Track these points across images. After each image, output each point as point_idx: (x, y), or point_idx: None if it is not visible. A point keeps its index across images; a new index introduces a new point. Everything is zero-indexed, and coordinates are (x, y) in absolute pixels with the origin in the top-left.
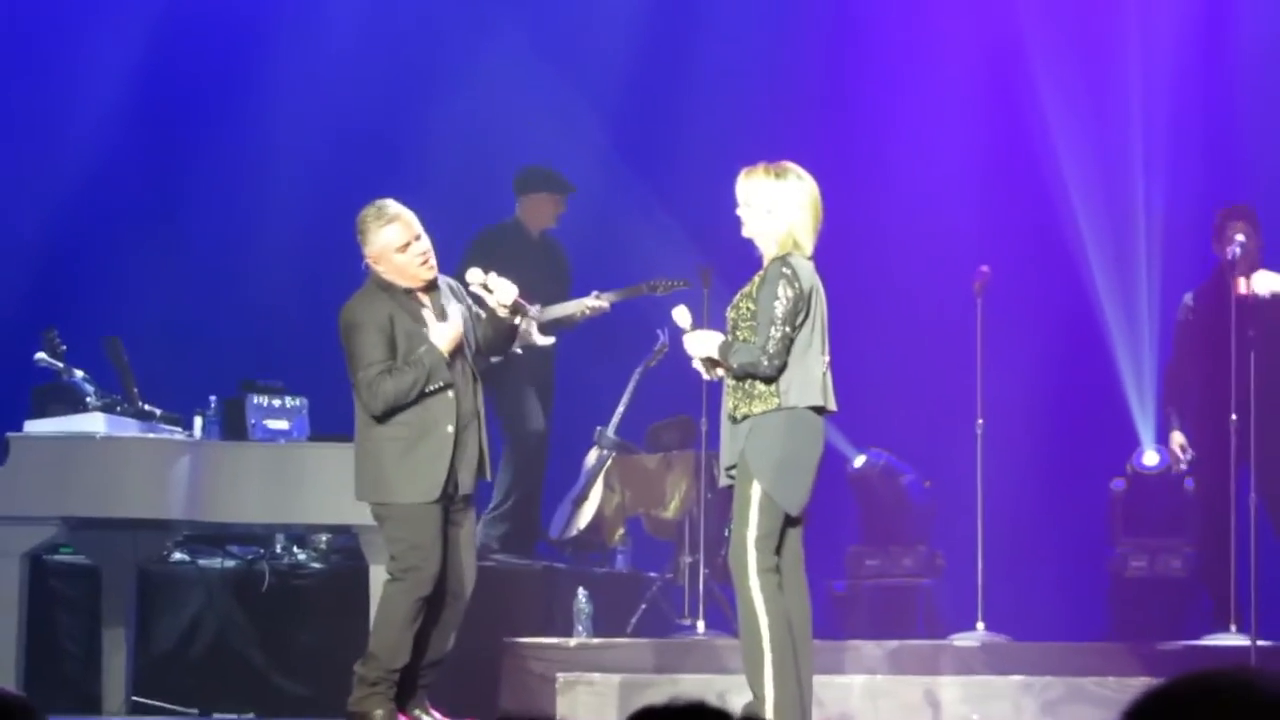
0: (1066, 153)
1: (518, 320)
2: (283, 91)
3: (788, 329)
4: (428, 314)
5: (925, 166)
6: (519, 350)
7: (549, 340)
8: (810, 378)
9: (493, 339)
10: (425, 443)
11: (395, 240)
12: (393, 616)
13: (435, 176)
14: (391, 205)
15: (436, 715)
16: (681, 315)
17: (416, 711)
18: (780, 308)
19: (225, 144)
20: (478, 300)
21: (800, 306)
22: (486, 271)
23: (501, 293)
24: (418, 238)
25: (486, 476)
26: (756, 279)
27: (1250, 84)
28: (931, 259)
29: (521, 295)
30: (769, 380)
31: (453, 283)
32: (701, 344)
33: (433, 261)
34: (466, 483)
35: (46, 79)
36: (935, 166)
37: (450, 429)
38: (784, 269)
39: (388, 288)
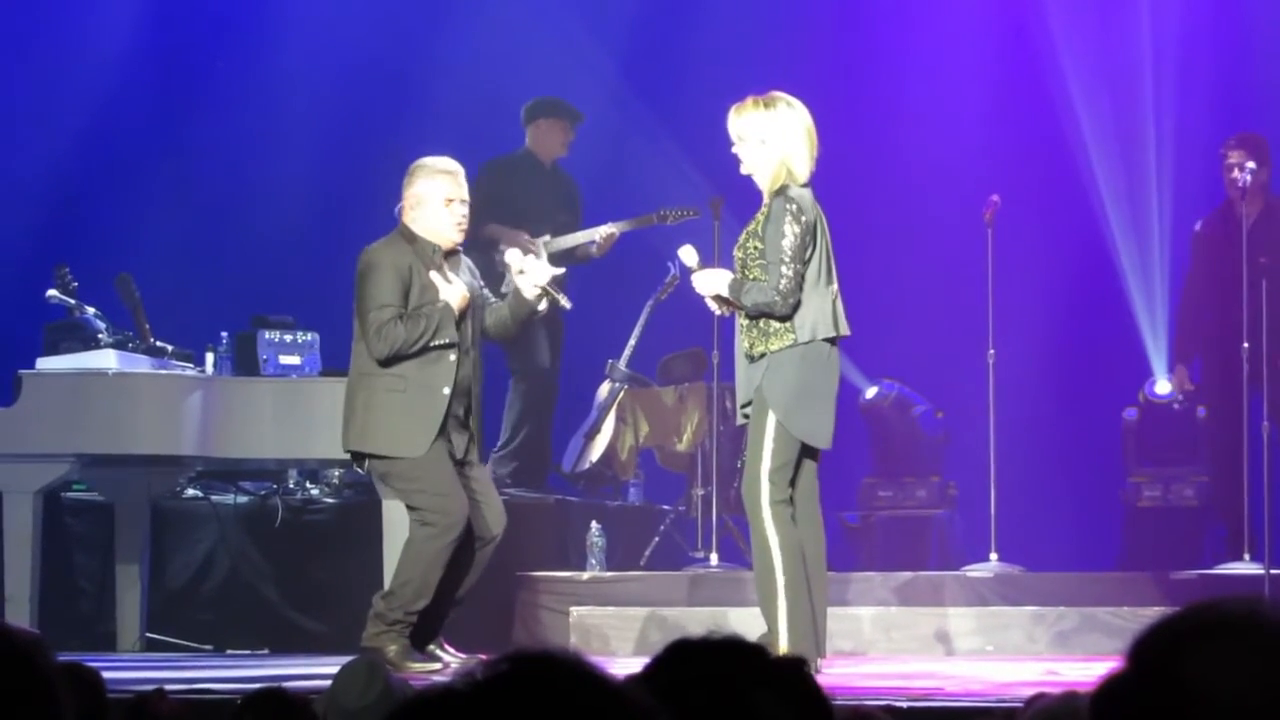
0: (1076, 80)
1: (541, 306)
2: (292, 26)
3: (798, 265)
4: (436, 277)
5: (936, 95)
6: None
7: (559, 270)
8: (822, 309)
9: (506, 320)
10: (419, 399)
11: (446, 191)
12: (420, 561)
13: (444, 109)
14: (453, 161)
15: (450, 650)
16: (688, 254)
17: (430, 647)
18: (789, 244)
19: (235, 78)
20: (491, 284)
21: (807, 241)
22: (525, 254)
23: (535, 274)
24: (464, 201)
25: (474, 460)
26: (760, 216)
27: (1261, 9)
28: (942, 189)
29: (533, 225)
30: (785, 318)
31: (470, 264)
32: (711, 283)
33: (466, 228)
34: (457, 447)
35: (58, 13)
36: (946, 95)
37: (446, 391)
38: (787, 205)
39: (413, 240)
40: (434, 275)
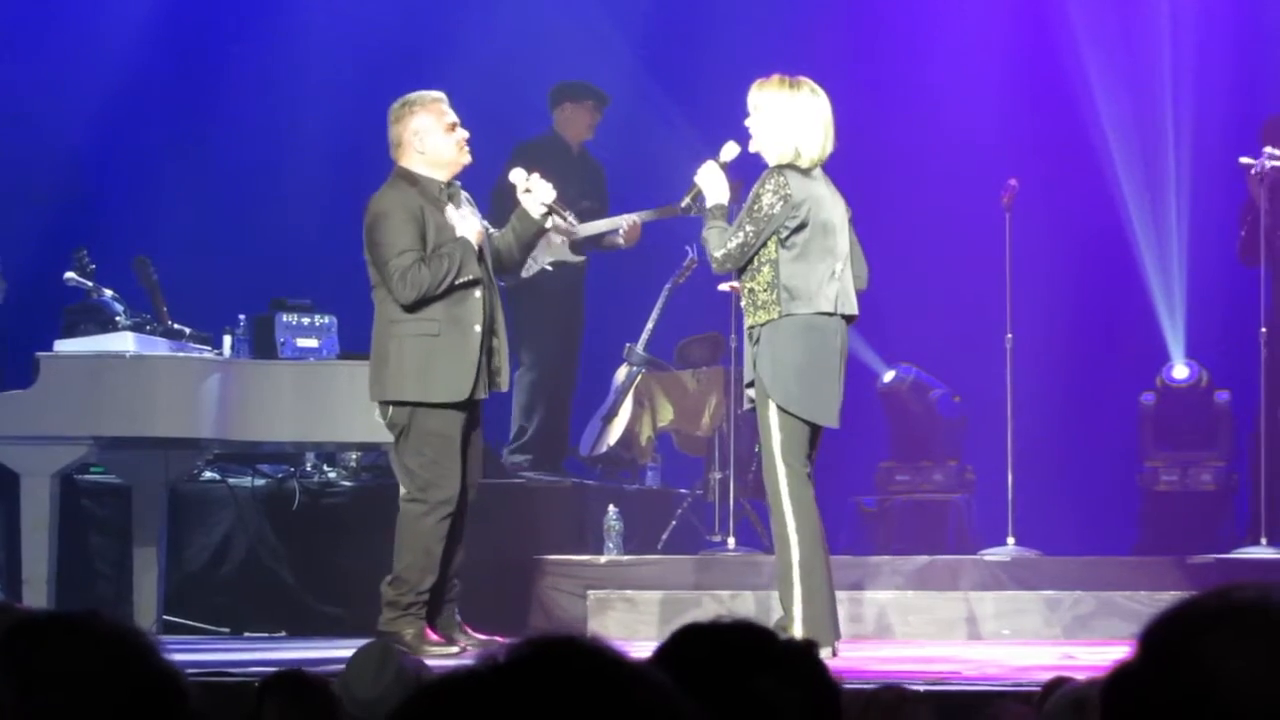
0: (1095, 64)
1: (548, 224)
2: (312, 9)
3: (751, 240)
4: (451, 209)
5: (953, 80)
6: (549, 267)
7: (580, 258)
8: (812, 284)
9: (511, 244)
10: (454, 341)
11: (446, 117)
12: (417, 539)
13: (462, 95)
14: (433, 90)
15: (470, 632)
16: (729, 150)
17: (450, 630)
18: (754, 217)
19: (254, 62)
20: (504, 208)
21: (787, 216)
22: (530, 173)
23: (540, 192)
24: (461, 123)
25: (501, 388)
26: (753, 188)
27: None
28: (960, 173)
29: (561, 206)
30: (767, 287)
31: (469, 197)
32: (711, 183)
33: (469, 150)
34: (482, 388)
35: None
36: (963, 80)
37: (478, 328)
38: (777, 178)
39: (415, 181)
40: (450, 211)
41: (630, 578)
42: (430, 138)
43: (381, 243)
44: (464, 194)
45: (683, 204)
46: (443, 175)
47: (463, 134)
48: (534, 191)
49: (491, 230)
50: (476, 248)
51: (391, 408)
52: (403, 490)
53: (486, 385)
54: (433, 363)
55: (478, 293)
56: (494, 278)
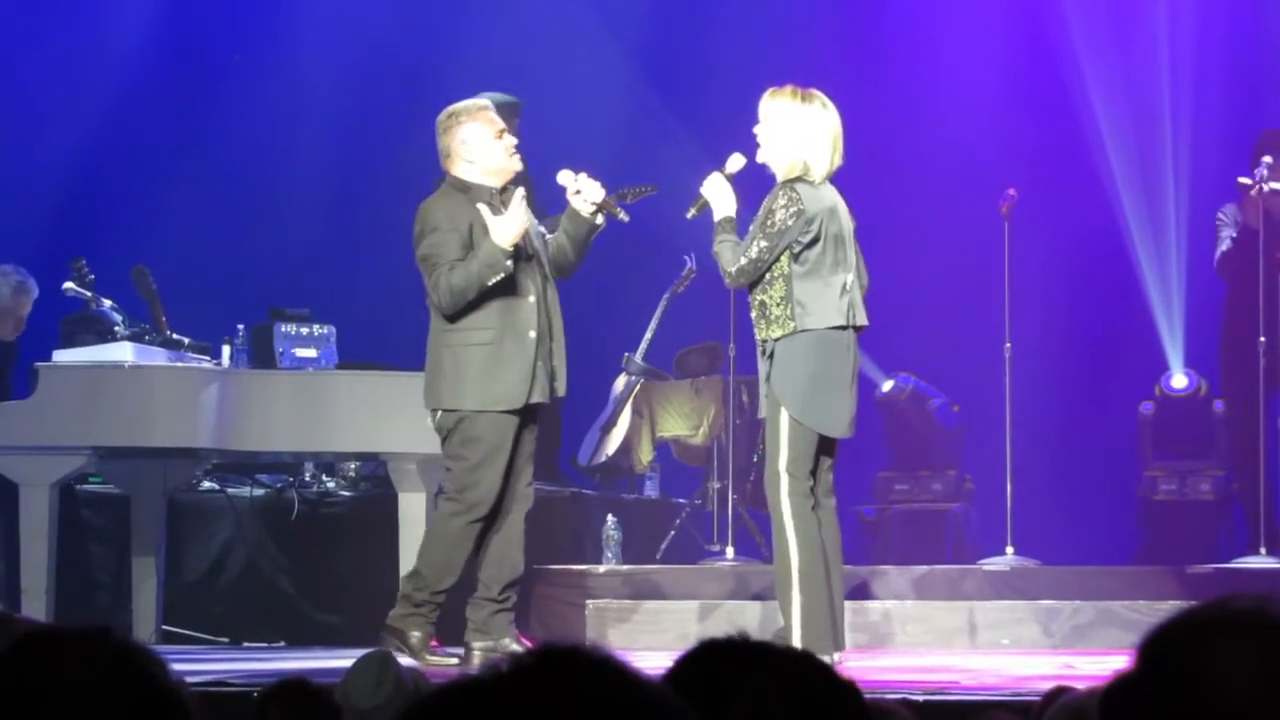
0: (1093, 74)
1: (600, 220)
2: (308, 20)
3: (765, 255)
4: (485, 211)
5: (952, 89)
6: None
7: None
8: (824, 298)
9: (565, 246)
10: (507, 349)
11: (493, 127)
12: (442, 537)
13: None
14: (481, 98)
15: (523, 640)
16: (735, 162)
17: (503, 636)
18: (768, 232)
19: (252, 72)
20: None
21: (801, 230)
22: (577, 173)
23: (590, 192)
24: (507, 129)
25: (560, 392)
26: (764, 203)
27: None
28: (958, 182)
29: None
30: (780, 303)
31: (523, 194)
32: (718, 195)
33: (518, 155)
34: (539, 393)
35: (75, 6)
36: (962, 89)
37: (533, 334)
38: (789, 193)
39: (466, 189)
40: (482, 209)
41: (629, 587)
42: (479, 146)
43: (423, 256)
44: (519, 192)
45: (689, 215)
46: (495, 182)
47: (510, 140)
48: (584, 192)
49: (547, 234)
50: (509, 246)
51: (440, 412)
52: (442, 488)
53: (546, 390)
54: (486, 371)
55: (531, 298)
56: (550, 279)
